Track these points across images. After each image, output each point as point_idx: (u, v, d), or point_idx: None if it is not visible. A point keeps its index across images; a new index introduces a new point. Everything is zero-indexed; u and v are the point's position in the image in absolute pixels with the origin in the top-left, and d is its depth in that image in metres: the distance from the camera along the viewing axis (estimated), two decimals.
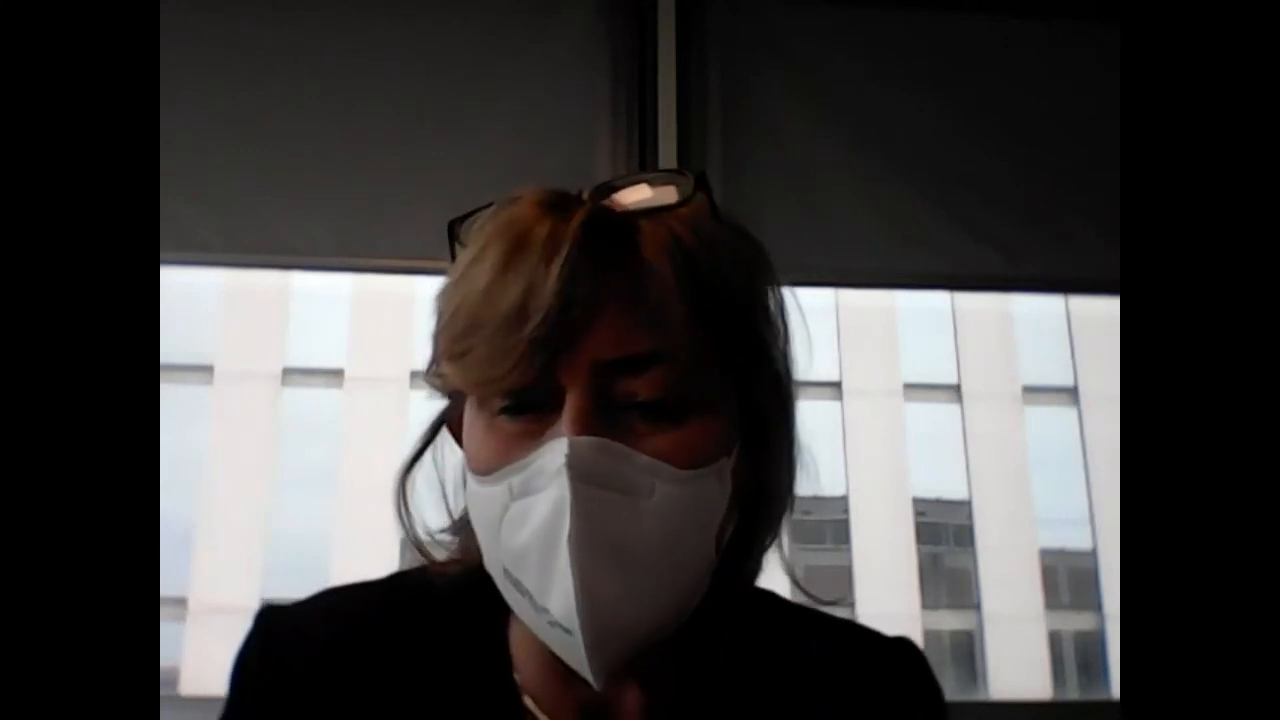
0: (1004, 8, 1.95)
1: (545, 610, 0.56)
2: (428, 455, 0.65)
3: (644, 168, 1.79)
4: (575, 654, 0.55)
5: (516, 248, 0.56)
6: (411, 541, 0.65)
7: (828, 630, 0.70)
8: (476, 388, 0.58)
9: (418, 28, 1.85)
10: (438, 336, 0.59)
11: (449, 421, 0.64)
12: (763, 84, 1.89)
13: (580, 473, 0.54)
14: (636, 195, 0.60)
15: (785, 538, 0.67)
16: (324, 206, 1.75)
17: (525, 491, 0.56)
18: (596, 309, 0.55)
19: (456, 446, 0.63)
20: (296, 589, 0.68)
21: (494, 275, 0.56)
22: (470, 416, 0.60)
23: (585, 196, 0.60)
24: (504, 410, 0.57)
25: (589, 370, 0.55)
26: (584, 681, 0.56)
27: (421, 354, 0.63)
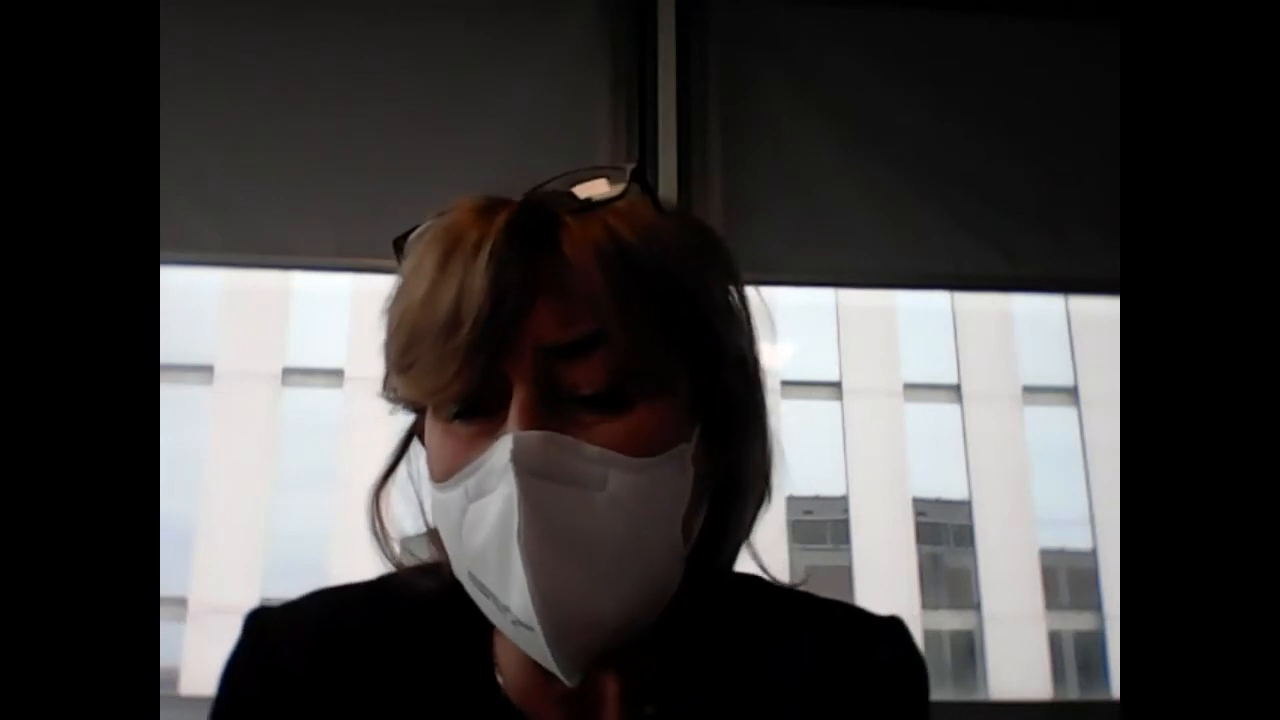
0: (1004, 8, 1.95)
1: (507, 609, 0.56)
2: (402, 468, 0.65)
3: (643, 167, 1.79)
4: (541, 651, 0.55)
5: (448, 253, 0.56)
6: (386, 557, 0.65)
7: (812, 611, 0.70)
8: (425, 397, 0.58)
9: (418, 28, 1.85)
10: (386, 350, 0.59)
11: (419, 432, 0.64)
12: (763, 84, 1.89)
13: (526, 467, 0.54)
14: (568, 192, 0.60)
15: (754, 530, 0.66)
16: (324, 206, 1.75)
17: (480, 493, 0.56)
18: (528, 301, 0.55)
19: None
20: (296, 589, 0.68)
21: (429, 284, 0.56)
22: (429, 425, 0.60)
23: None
24: (456, 415, 0.57)
25: (531, 360, 0.55)
26: None
27: None
